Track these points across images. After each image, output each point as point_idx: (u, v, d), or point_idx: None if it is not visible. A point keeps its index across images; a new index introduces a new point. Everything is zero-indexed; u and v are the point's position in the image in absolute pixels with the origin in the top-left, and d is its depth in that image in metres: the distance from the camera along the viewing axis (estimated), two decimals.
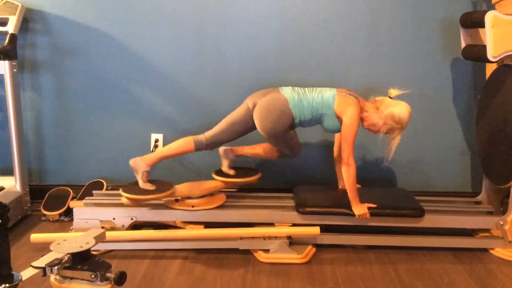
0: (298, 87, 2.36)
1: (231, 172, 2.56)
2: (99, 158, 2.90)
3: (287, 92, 2.31)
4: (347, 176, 2.25)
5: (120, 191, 2.29)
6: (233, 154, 2.56)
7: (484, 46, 2.32)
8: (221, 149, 2.52)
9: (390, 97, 2.29)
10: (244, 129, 2.37)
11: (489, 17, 2.26)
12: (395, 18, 2.71)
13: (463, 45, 2.57)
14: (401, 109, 2.24)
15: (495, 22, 2.26)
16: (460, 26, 2.56)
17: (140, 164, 2.32)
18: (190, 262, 2.24)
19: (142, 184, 2.33)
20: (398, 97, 2.28)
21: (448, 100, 2.80)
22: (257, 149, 2.52)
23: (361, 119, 2.31)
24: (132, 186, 2.33)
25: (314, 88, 2.35)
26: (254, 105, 2.32)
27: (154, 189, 2.30)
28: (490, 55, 2.29)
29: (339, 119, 2.27)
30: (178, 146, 2.36)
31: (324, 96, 2.28)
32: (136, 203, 2.28)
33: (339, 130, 2.32)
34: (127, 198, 2.24)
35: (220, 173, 2.57)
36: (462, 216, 2.42)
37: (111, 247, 2.31)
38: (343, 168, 2.25)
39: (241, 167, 2.66)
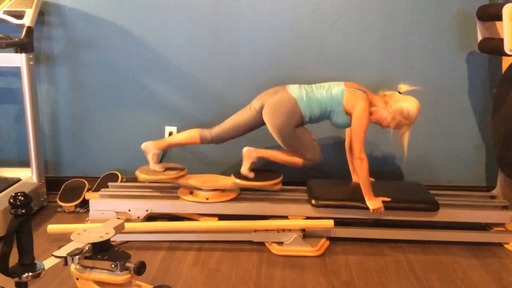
0: (305, 85, 2.35)
1: (251, 175, 2.45)
2: (114, 151, 2.92)
3: (295, 90, 2.31)
4: (360, 171, 2.26)
5: (137, 172, 2.47)
6: (255, 156, 2.43)
7: (501, 39, 2.30)
8: (245, 149, 2.43)
9: (399, 92, 2.29)
10: (250, 129, 2.42)
11: (506, 9, 2.24)
12: (410, 11, 2.69)
13: (479, 38, 2.55)
14: (410, 104, 2.24)
15: None
16: (476, 19, 2.54)
17: (150, 147, 2.48)
18: (204, 253, 2.26)
19: (152, 165, 2.48)
20: (410, 93, 2.27)
21: (463, 94, 2.78)
22: (280, 154, 2.40)
23: (370, 113, 2.30)
24: (147, 168, 2.52)
25: (322, 85, 2.35)
26: (262, 106, 2.33)
27: (164, 171, 2.48)
28: (507, 48, 2.27)
29: (349, 115, 2.27)
30: (185, 137, 2.48)
31: (332, 93, 2.28)
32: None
33: (348, 125, 2.32)
34: (143, 178, 2.45)
35: (239, 175, 2.47)
36: (476, 210, 2.41)
37: (126, 238, 2.33)
38: (355, 163, 2.26)
39: (262, 169, 2.56)
